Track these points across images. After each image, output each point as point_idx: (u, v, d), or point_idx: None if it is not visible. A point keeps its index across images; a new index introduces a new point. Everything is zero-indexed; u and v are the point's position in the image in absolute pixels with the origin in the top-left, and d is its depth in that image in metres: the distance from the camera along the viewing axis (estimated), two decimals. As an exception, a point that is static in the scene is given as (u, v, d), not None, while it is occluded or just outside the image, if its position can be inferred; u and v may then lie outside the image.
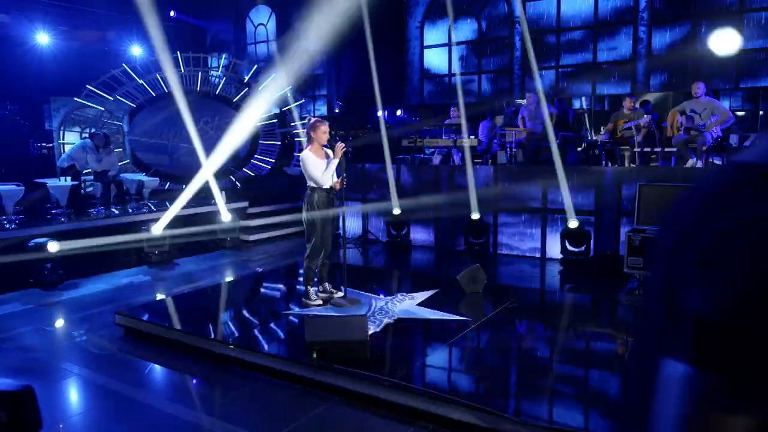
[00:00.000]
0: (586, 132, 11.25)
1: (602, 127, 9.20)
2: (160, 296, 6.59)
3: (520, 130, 9.71)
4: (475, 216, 8.29)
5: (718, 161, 8.14)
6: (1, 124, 12.15)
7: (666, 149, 8.73)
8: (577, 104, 13.38)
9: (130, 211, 9.21)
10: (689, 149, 7.97)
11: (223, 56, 12.38)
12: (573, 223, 7.55)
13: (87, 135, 9.97)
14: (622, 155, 8.66)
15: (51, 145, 11.91)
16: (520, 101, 12.82)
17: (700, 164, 7.73)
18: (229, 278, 7.59)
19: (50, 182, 8.89)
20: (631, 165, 8.43)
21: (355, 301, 5.56)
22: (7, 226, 7.64)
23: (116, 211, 9.09)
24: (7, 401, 1.87)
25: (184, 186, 11.80)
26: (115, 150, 10.34)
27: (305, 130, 5.55)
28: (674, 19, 10.43)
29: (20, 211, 8.44)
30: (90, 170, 9.69)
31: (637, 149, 8.45)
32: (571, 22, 11.43)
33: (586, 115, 11.94)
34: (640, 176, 7.30)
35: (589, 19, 11.24)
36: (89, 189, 10.31)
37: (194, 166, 12.01)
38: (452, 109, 10.85)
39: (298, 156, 5.58)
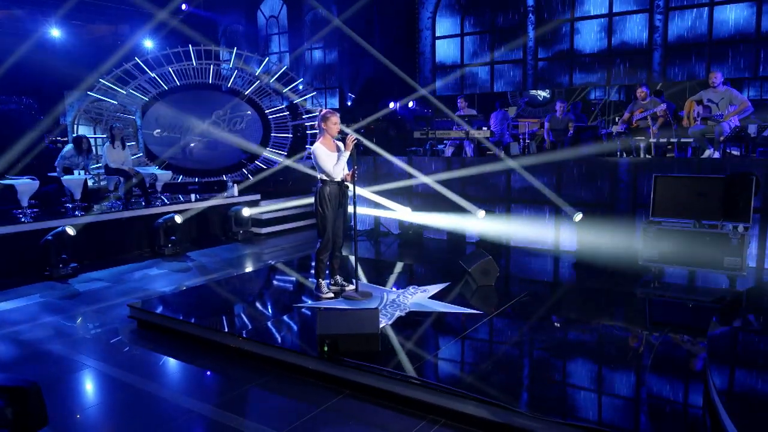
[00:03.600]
0: (602, 122, 11.12)
1: (617, 118, 9.08)
2: (173, 289, 6.62)
3: (534, 121, 9.67)
4: (481, 215, 8.21)
5: (735, 152, 8.00)
6: (17, 117, 12.24)
7: (682, 140, 8.59)
8: (591, 95, 13.23)
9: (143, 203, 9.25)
10: (706, 139, 7.83)
11: (235, 49, 12.36)
12: (577, 217, 7.45)
13: (60, 139, 9.86)
14: (638, 146, 8.54)
15: (65, 139, 11.99)
16: (534, 92, 12.70)
17: (717, 155, 7.60)
18: (241, 271, 7.61)
19: (64, 176, 8.96)
20: (647, 156, 8.31)
21: (366, 294, 5.54)
22: (23, 219, 7.72)
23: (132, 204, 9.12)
24: (14, 397, 1.87)
25: (196, 179, 11.88)
26: (128, 144, 10.37)
27: (317, 123, 5.52)
28: (691, 6, 10.24)
29: (35, 205, 8.51)
30: (102, 165, 9.73)
31: (652, 140, 8.32)
32: (585, 10, 11.28)
33: (599, 105, 11.80)
34: (656, 167, 7.18)
35: (603, 8, 11.08)
36: (102, 182, 10.38)
37: (207, 159, 12.08)
38: (459, 99, 10.77)
39: (310, 148, 5.55)
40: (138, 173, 9.26)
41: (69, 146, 9.41)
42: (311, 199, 5.60)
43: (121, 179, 9.25)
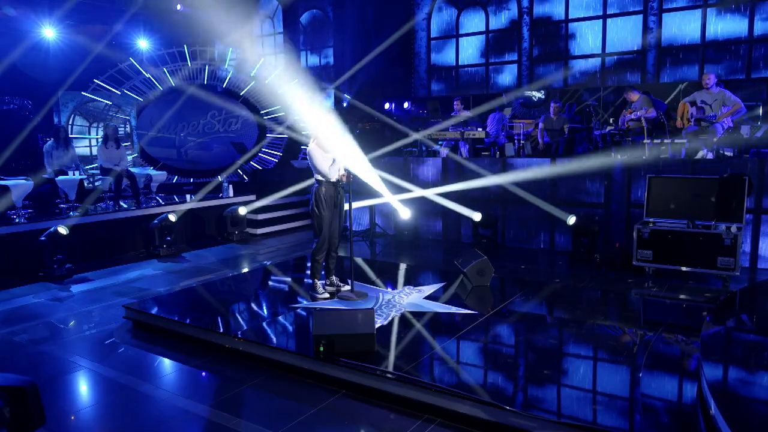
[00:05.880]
0: (596, 124, 11.17)
1: (611, 119, 9.13)
2: (168, 290, 6.60)
3: (529, 122, 9.71)
4: (477, 218, 8.22)
5: (729, 152, 8.05)
6: (11, 118, 12.18)
7: (676, 140, 8.64)
8: (585, 96, 13.26)
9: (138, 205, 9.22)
10: (700, 140, 7.88)
11: (230, 49, 12.35)
12: (571, 220, 7.48)
13: (50, 138, 9.85)
14: (632, 147, 8.58)
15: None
16: (528, 93, 12.75)
17: (710, 156, 7.65)
18: (236, 272, 7.60)
19: (59, 176, 8.93)
20: (641, 157, 8.34)
21: (362, 295, 5.55)
22: (17, 220, 7.69)
23: (125, 205, 9.10)
24: (11, 396, 1.87)
25: (191, 180, 11.87)
26: (124, 144, 10.36)
27: (312, 123, 5.53)
28: (685, 8, 10.31)
29: (29, 205, 8.48)
30: (96, 165, 9.70)
31: (647, 140, 8.37)
32: (580, 12, 11.32)
33: (593, 107, 11.85)
34: (650, 168, 7.22)
35: (597, 9, 11.13)
36: (97, 183, 10.34)
37: (202, 160, 12.07)
38: (455, 101, 10.80)
39: (305, 149, 5.56)
40: (114, 170, 9.21)
41: (49, 141, 9.39)
42: (308, 182, 5.58)
43: (112, 179, 9.23)
